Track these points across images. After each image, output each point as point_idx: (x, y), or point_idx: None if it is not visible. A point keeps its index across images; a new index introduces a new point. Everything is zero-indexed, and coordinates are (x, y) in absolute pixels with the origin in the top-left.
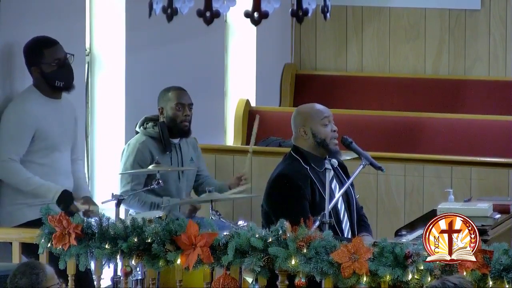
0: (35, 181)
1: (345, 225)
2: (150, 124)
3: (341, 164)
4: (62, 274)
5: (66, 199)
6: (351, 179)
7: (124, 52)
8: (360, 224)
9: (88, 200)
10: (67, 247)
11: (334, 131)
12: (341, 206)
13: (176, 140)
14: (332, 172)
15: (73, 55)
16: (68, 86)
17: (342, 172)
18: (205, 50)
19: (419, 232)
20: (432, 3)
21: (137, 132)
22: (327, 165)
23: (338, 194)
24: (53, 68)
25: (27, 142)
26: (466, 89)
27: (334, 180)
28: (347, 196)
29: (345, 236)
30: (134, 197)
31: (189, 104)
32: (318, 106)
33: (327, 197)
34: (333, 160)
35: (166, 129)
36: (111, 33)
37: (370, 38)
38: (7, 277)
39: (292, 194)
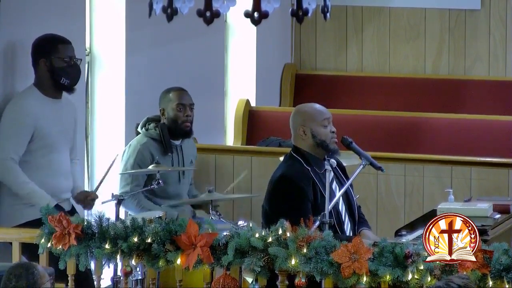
0: (30, 187)
1: (347, 226)
2: (151, 125)
3: (340, 165)
4: (62, 274)
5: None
6: (351, 180)
7: (124, 52)
8: (359, 221)
9: (85, 194)
10: (67, 247)
11: (333, 132)
12: (342, 207)
13: (177, 142)
14: (332, 173)
15: (81, 59)
16: (72, 86)
17: (341, 173)
18: (205, 50)
19: (419, 232)
20: (432, 3)
21: (138, 133)
22: (327, 166)
23: (338, 194)
24: (63, 64)
25: (25, 141)
26: (466, 89)
27: (334, 181)
28: (347, 197)
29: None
30: (133, 199)
31: (190, 105)
32: (319, 107)
33: (327, 197)
34: (332, 160)
35: (167, 130)
36: (111, 33)
37: (370, 38)
38: None
39: (295, 196)
